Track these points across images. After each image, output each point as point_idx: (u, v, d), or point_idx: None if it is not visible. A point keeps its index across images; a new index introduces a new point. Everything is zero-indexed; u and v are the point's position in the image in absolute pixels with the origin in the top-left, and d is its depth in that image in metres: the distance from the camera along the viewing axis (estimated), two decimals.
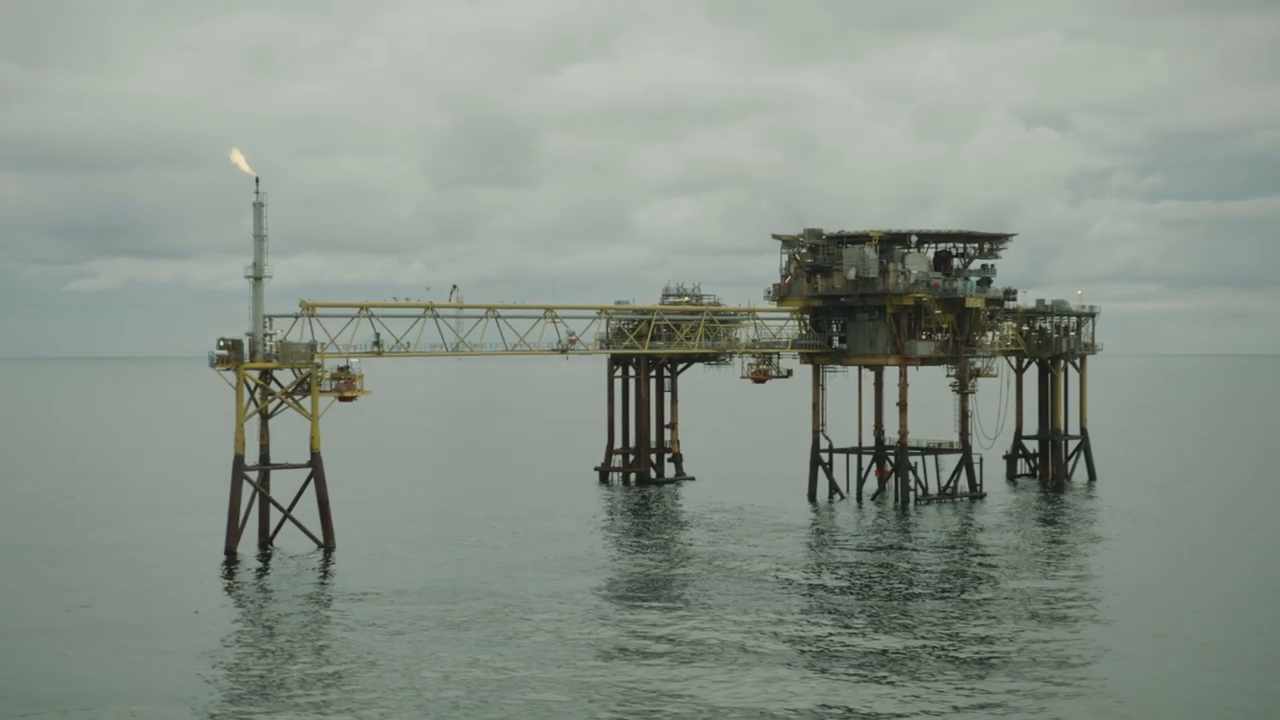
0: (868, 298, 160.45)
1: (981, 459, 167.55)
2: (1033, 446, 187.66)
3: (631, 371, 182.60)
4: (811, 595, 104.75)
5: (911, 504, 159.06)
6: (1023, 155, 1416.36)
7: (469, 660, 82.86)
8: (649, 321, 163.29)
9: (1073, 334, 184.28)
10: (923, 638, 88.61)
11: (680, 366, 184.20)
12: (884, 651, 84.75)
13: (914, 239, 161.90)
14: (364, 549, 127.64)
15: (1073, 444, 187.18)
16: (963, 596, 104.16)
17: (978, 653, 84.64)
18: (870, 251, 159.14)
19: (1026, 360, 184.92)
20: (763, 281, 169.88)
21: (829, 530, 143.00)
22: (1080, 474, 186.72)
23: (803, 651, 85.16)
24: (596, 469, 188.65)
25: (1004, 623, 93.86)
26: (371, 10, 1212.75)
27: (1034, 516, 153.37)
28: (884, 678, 78.49)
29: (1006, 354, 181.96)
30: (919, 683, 77.56)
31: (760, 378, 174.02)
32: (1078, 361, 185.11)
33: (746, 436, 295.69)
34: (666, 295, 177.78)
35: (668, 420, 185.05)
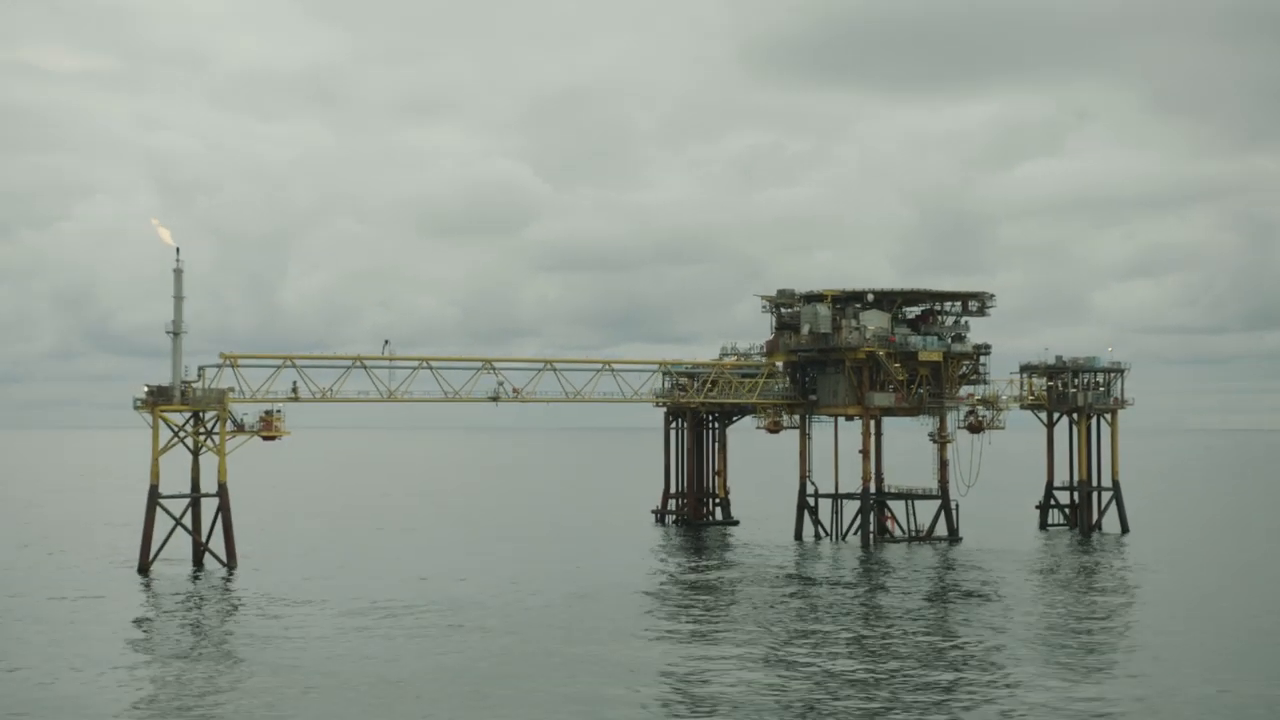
0: (827, 352, 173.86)
1: (958, 505, 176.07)
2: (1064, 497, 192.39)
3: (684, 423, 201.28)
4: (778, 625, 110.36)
5: (871, 544, 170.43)
6: None
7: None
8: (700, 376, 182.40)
9: (1100, 389, 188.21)
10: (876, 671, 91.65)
11: (735, 418, 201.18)
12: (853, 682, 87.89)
13: (870, 296, 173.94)
14: (266, 570, 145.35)
15: (1106, 496, 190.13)
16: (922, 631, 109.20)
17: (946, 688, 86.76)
18: (823, 309, 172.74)
19: (1057, 415, 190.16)
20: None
21: (805, 566, 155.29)
22: (1112, 525, 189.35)
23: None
24: (653, 512, 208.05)
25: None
26: (845, 122, 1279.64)
27: (1005, 560, 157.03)
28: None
29: (1033, 408, 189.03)
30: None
31: (774, 428, 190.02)
32: (1109, 416, 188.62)
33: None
34: (724, 353, 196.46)
35: (716, 468, 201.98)
